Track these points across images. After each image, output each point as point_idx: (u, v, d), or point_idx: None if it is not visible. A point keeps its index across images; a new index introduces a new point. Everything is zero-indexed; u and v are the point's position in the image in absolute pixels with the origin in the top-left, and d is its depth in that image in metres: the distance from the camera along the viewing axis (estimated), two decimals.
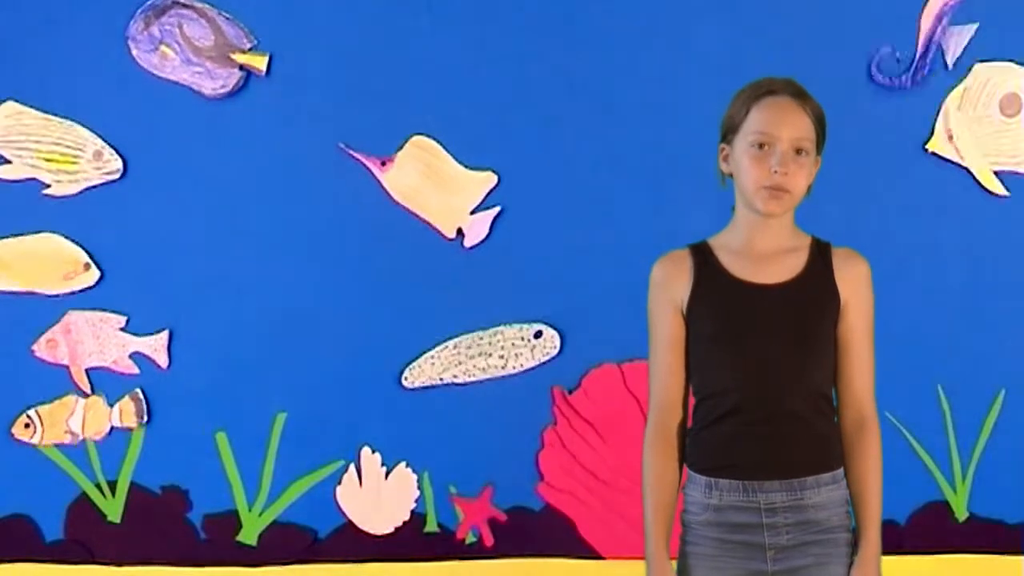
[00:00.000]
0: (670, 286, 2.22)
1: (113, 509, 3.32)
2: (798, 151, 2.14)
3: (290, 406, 3.30)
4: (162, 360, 3.30)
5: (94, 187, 3.30)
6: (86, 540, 3.32)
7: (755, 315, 2.16)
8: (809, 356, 2.17)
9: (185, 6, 3.28)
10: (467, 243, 3.28)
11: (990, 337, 3.31)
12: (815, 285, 2.19)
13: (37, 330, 3.31)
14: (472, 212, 3.27)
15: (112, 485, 3.31)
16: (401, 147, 3.27)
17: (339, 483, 3.31)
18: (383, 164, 3.23)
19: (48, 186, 3.31)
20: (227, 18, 3.28)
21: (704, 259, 2.22)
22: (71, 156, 3.28)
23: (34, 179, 3.30)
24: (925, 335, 3.28)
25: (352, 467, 3.31)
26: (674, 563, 2.23)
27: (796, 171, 2.14)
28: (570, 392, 3.31)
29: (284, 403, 3.30)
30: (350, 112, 3.28)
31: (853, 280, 2.20)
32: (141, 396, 3.30)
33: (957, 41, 3.26)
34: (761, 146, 2.14)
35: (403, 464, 3.31)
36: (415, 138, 3.27)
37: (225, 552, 3.32)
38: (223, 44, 3.27)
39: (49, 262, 3.30)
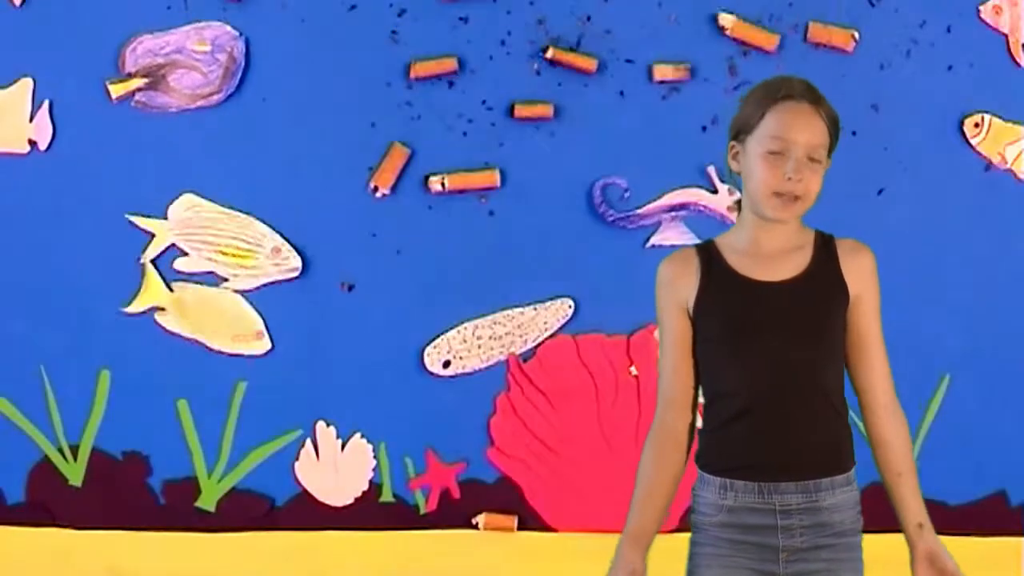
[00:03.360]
0: (676, 286, 2.19)
1: (75, 473, 3.34)
2: (811, 158, 2.12)
3: (250, 375, 3.34)
4: None
5: (273, 283, 3.30)
6: (47, 503, 3.33)
7: (764, 313, 2.13)
8: (821, 353, 2.14)
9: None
10: (42, 146, 3.27)
11: (934, 324, 3.37)
12: (822, 280, 2.16)
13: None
14: (31, 120, 3.28)
15: (74, 449, 3.33)
16: None
17: (296, 458, 3.35)
18: None
19: (225, 280, 3.29)
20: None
21: (711, 258, 2.19)
22: (249, 251, 3.28)
23: (211, 272, 3.30)
24: None
25: (308, 441, 3.35)
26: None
27: (809, 177, 2.11)
28: (525, 360, 3.36)
29: (244, 372, 3.34)
30: None
31: (860, 272, 2.18)
32: None
33: None
34: (776, 152, 2.12)
35: (359, 435, 3.35)
36: None
37: (184, 517, 3.34)
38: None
39: (223, 318, 3.29)
